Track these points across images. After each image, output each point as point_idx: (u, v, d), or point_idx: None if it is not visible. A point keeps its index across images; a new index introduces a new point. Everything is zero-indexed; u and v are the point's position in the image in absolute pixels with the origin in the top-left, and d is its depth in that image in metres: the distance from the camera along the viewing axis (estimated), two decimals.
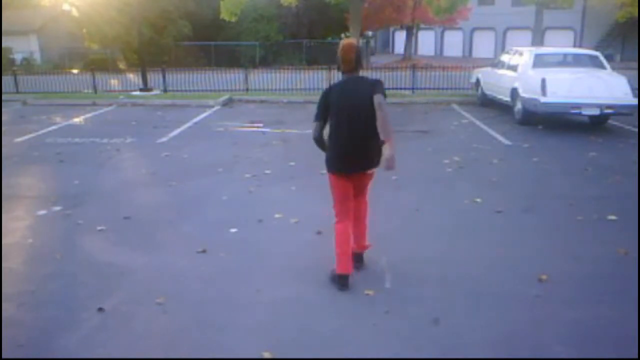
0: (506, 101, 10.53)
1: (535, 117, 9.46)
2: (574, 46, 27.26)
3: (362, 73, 3.58)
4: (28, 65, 25.96)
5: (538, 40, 24.39)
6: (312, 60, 26.39)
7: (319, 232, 4.50)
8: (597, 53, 10.51)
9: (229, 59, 26.20)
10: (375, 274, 3.79)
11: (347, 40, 3.61)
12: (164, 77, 15.17)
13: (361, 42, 21.94)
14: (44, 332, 3.11)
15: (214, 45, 28.12)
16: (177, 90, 14.88)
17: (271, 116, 11.17)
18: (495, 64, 11.77)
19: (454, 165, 6.90)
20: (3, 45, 25.09)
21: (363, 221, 3.82)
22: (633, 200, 5.34)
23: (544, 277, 3.69)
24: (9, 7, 29.15)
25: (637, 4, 23.61)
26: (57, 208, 5.31)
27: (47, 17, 32.08)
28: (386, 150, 3.25)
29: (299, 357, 2.84)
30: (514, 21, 32.11)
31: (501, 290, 3.55)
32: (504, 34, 34.41)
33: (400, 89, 14.36)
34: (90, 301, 3.41)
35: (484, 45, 34.90)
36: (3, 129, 9.72)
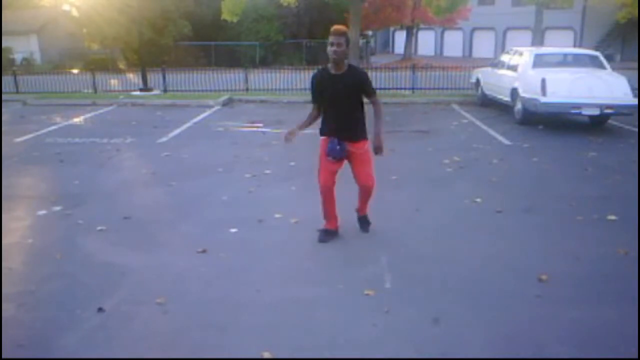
0: (506, 101, 10.53)
1: (535, 117, 9.46)
2: (574, 46, 27.26)
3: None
4: (28, 65, 25.99)
5: (538, 40, 24.42)
6: (312, 60, 26.40)
7: (319, 231, 4.50)
8: (597, 53, 10.51)
9: (229, 59, 26.21)
10: (375, 274, 3.79)
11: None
12: (164, 77, 15.17)
13: (361, 42, 21.93)
14: (44, 332, 3.11)
15: (214, 45, 28.12)
16: (177, 90, 14.88)
17: (271, 116, 11.17)
18: (495, 64, 11.76)
19: (454, 165, 6.90)
20: (3, 45, 25.09)
21: None
22: (633, 200, 5.34)
23: (544, 277, 3.69)
24: (9, 7, 29.18)
25: (637, 4, 23.61)
26: (57, 208, 5.31)
27: (47, 17, 32.08)
28: None
29: (299, 357, 2.84)
30: (514, 21, 32.12)
31: (501, 290, 3.55)
32: (504, 34, 34.41)
33: (400, 89, 14.37)
34: (90, 301, 3.40)
35: (484, 45, 34.90)
36: (3, 129, 9.72)
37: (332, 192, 4.25)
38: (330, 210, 4.33)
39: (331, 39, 3.86)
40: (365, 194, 4.35)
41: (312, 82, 4.17)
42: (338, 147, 4.07)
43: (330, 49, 3.88)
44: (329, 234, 4.38)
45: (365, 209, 4.51)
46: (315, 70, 4.17)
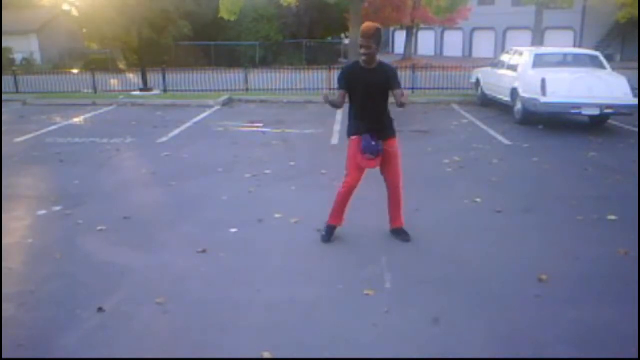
0: (506, 101, 10.53)
1: (535, 117, 9.45)
2: (574, 46, 27.27)
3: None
4: (28, 65, 25.95)
5: (538, 40, 24.43)
6: (312, 60, 26.43)
7: (319, 232, 4.49)
8: (597, 53, 10.51)
9: (229, 59, 26.23)
10: (375, 274, 3.79)
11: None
12: (164, 77, 15.17)
13: None
14: (44, 332, 3.11)
15: (214, 45, 28.14)
16: (177, 90, 14.87)
17: (271, 116, 11.16)
18: (495, 64, 11.76)
19: (454, 165, 6.90)
20: (3, 45, 25.08)
21: None
22: (633, 200, 5.34)
23: (544, 277, 3.69)
24: (9, 7, 29.13)
25: (637, 4, 23.61)
26: (57, 208, 5.31)
27: (47, 17, 32.06)
28: None
29: (299, 357, 2.84)
30: (514, 21, 32.15)
31: (501, 290, 3.55)
32: (504, 34, 34.44)
33: None
34: (90, 301, 3.40)
35: (484, 45, 34.93)
36: (3, 129, 9.72)
37: (354, 191, 4.26)
38: (343, 208, 4.32)
39: (360, 41, 3.89)
40: (395, 196, 4.30)
41: (343, 73, 4.15)
42: (373, 142, 4.03)
43: (360, 51, 3.92)
44: (331, 232, 4.37)
45: (401, 218, 4.38)
46: (345, 65, 4.16)
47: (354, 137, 4.17)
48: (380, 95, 4.07)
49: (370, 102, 4.07)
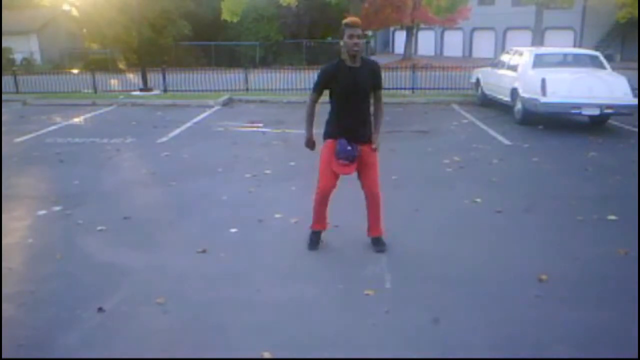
0: (506, 101, 10.53)
1: (535, 117, 9.45)
2: (574, 46, 27.26)
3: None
4: (28, 65, 25.96)
5: (538, 40, 24.45)
6: (312, 60, 26.42)
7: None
8: (597, 53, 10.52)
9: (229, 59, 26.26)
10: (375, 274, 3.79)
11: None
12: (164, 77, 15.17)
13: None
14: (44, 332, 3.11)
15: (214, 45, 28.15)
16: (177, 90, 14.87)
17: (271, 116, 11.17)
18: (495, 64, 11.76)
19: (454, 165, 6.90)
20: (3, 45, 25.09)
21: None
22: (633, 200, 5.34)
23: (544, 277, 3.69)
24: (9, 7, 29.15)
25: (637, 4, 23.61)
26: (57, 208, 5.31)
27: (47, 17, 32.07)
28: None
29: (299, 357, 2.84)
30: (514, 21, 32.13)
31: (501, 290, 3.55)
32: (504, 34, 34.41)
33: (400, 89, 14.36)
34: (90, 301, 3.40)
35: (484, 45, 34.90)
36: (3, 129, 9.71)
37: (329, 196, 4.12)
38: (323, 213, 4.19)
39: (356, 31, 3.68)
40: (374, 205, 4.09)
41: (324, 72, 3.87)
42: (349, 147, 3.81)
43: (351, 42, 3.67)
44: (316, 239, 4.26)
45: (380, 228, 4.18)
46: (329, 64, 3.93)
47: (329, 141, 3.97)
48: (363, 96, 3.86)
49: (352, 103, 3.85)
